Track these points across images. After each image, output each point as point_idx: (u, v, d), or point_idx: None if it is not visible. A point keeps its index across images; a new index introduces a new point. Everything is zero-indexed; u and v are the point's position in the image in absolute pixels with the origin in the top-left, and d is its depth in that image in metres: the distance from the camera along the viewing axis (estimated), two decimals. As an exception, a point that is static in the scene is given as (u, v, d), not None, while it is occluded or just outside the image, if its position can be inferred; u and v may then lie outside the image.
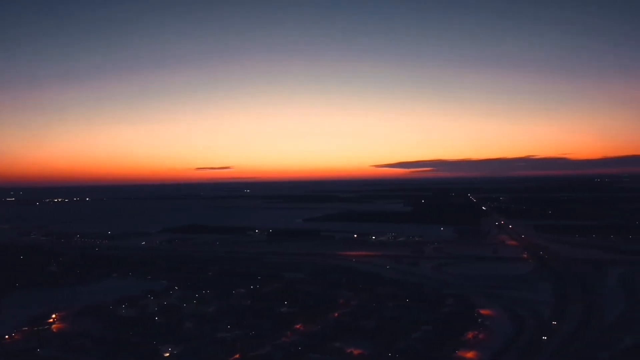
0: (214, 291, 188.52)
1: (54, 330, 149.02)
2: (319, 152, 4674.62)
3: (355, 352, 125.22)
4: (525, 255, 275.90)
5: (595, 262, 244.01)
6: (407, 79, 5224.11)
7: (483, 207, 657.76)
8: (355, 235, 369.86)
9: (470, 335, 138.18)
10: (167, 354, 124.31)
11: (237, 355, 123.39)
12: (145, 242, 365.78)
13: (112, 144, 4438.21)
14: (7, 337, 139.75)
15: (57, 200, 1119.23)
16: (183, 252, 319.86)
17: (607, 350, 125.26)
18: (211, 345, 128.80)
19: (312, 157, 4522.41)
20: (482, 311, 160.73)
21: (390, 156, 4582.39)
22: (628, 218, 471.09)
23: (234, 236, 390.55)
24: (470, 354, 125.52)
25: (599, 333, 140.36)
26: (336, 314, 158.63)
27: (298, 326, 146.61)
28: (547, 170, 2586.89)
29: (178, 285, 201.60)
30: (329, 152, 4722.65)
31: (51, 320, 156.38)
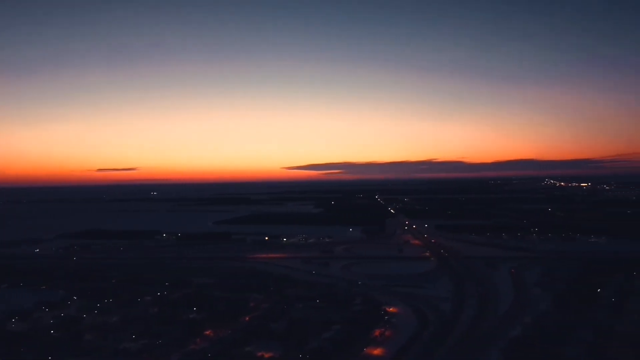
0: (117, 300, 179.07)
1: None
2: (230, 154, 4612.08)
3: (266, 355, 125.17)
4: (427, 254, 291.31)
5: (489, 258, 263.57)
6: (316, 81, 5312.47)
7: (389, 208, 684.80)
8: (266, 238, 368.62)
9: (377, 332, 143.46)
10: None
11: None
12: (40, 250, 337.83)
13: (3, 144, 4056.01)
14: None
15: None
16: (82, 259, 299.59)
17: (501, 339, 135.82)
18: (114, 357, 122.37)
19: (222, 159, 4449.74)
20: (389, 309, 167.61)
21: (300, 158, 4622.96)
22: (517, 217, 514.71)
23: (140, 241, 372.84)
24: (377, 351, 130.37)
25: (494, 324, 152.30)
26: (247, 318, 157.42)
27: (208, 332, 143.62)
28: (447, 173, 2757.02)
29: (77, 295, 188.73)
30: (239, 154, 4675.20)
31: None
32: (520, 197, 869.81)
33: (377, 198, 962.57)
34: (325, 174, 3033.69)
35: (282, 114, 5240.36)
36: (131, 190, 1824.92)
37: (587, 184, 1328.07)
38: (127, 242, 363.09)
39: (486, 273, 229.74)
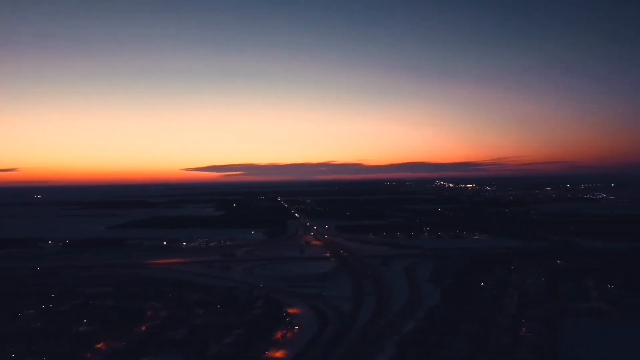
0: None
1: None
2: (125, 154, 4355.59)
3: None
4: (328, 254, 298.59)
5: (384, 257, 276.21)
6: (216, 80, 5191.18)
7: (291, 210, 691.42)
8: (164, 242, 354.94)
9: (279, 334, 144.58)
10: None
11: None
12: None
13: None
14: None
15: None
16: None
17: (396, 334, 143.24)
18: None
19: (116, 160, 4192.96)
20: (290, 310, 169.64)
21: (200, 159, 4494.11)
22: (410, 217, 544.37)
23: (21, 249, 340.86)
24: (279, 354, 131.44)
25: (389, 320, 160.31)
26: (143, 328, 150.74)
27: (99, 345, 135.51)
28: (345, 175, 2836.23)
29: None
30: (135, 155, 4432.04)
31: None
32: (414, 198, 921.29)
33: (279, 200, 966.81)
34: (226, 175, 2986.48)
35: (181, 113, 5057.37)
36: (11, 193, 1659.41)
37: (472, 185, 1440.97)
38: (5, 251, 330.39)
39: (382, 271, 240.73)
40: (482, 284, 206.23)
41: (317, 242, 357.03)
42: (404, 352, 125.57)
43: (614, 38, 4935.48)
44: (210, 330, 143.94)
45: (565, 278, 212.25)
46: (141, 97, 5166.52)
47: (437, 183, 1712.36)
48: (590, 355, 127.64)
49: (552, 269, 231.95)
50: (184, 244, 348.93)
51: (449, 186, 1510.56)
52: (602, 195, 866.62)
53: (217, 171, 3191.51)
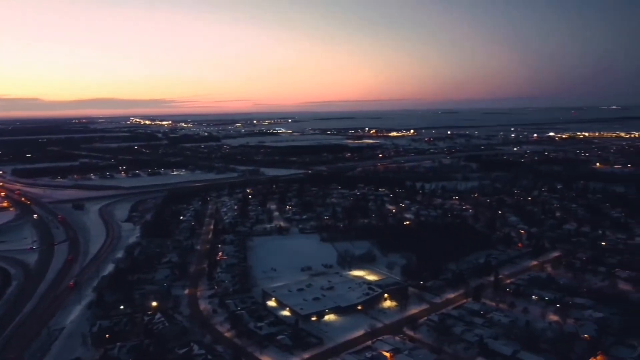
0: None
1: None
2: None
3: None
4: (5, 204, 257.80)
5: (77, 200, 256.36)
6: None
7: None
8: None
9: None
10: None
11: None
12: None
13: None
14: None
15: None
16: None
17: (94, 279, 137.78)
18: None
19: None
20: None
21: None
22: (104, 157, 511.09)
23: None
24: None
25: (86, 266, 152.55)
26: None
27: None
28: (20, 111, 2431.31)
29: None
30: None
31: None
32: (106, 137, 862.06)
33: None
34: None
35: None
36: None
37: (169, 122, 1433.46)
38: None
39: (76, 216, 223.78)
40: (181, 217, 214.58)
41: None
42: (102, 295, 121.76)
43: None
44: None
45: (254, 203, 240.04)
46: None
47: (132, 120, 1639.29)
48: (267, 261, 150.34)
49: (242, 197, 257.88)
50: None
51: (144, 123, 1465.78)
52: (282, 130, 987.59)
53: None
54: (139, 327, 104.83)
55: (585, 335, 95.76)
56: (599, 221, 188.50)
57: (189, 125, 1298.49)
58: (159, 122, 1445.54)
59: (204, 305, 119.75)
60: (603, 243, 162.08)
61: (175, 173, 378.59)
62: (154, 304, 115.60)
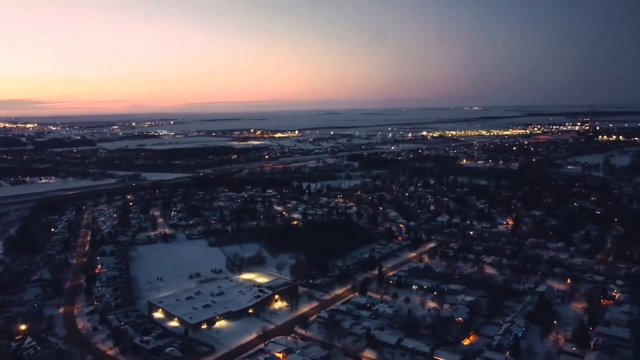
0: None
1: None
2: None
3: None
4: None
5: None
6: None
7: None
8: None
9: None
10: None
11: None
12: None
13: None
14: None
15: None
16: None
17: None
18: None
19: None
20: None
21: None
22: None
23: None
24: None
25: None
26: None
27: None
28: None
29: None
30: None
31: None
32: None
33: None
34: None
35: None
36: None
37: (34, 125, 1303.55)
38: None
39: None
40: (52, 229, 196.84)
41: None
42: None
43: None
44: None
45: (135, 211, 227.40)
46: None
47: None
48: (152, 271, 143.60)
49: (122, 204, 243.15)
50: None
51: (4, 126, 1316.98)
52: (164, 132, 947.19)
53: None
54: (6, 355, 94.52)
55: (459, 319, 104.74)
56: (467, 212, 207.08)
57: (58, 128, 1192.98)
58: (22, 125, 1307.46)
59: (82, 323, 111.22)
60: (471, 232, 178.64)
61: (44, 181, 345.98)
62: (23, 327, 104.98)
